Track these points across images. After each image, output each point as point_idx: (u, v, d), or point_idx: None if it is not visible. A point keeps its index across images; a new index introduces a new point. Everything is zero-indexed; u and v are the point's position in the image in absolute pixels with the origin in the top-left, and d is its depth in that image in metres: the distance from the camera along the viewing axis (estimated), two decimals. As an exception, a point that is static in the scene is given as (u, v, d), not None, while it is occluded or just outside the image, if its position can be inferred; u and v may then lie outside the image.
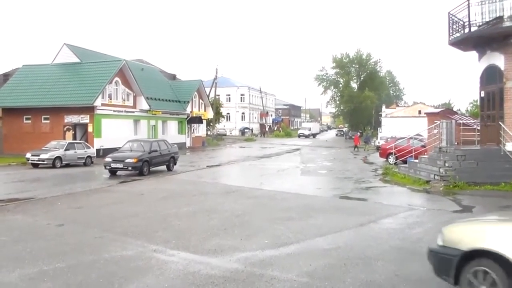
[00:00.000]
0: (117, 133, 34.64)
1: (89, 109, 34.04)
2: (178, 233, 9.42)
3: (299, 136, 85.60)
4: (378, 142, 44.73)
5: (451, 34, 19.36)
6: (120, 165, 21.61)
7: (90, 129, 34.48)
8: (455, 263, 5.10)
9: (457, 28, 18.98)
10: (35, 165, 25.83)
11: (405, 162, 22.40)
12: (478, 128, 20.87)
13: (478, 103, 23.14)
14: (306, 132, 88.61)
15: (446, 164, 17.50)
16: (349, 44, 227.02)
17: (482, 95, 19.88)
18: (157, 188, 17.19)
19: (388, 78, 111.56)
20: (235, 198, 14.57)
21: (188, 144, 49.61)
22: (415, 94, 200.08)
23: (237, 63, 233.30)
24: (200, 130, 54.37)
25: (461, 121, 24.07)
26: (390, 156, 27.42)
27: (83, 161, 27.72)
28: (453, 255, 5.14)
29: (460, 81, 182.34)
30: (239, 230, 9.67)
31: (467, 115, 44.46)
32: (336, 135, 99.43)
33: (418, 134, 28.01)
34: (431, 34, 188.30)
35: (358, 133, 61.16)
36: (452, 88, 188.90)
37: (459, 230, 5.56)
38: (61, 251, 7.90)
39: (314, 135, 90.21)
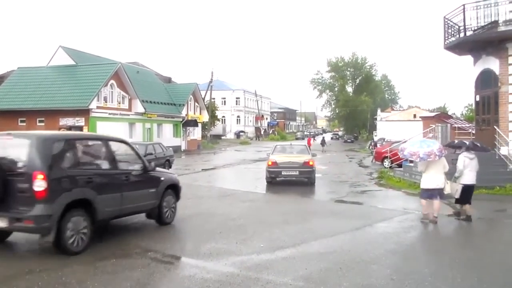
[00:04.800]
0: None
1: (84, 112, 33.95)
2: (173, 236, 9.39)
3: None
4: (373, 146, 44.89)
5: (446, 38, 19.45)
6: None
7: (85, 131, 34.34)
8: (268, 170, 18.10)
9: (453, 33, 19.07)
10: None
11: (400, 166, 22.42)
12: (473, 132, 20.95)
13: (473, 107, 23.26)
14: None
15: (441, 168, 17.52)
16: (345, 48, 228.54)
17: (477, 99, 19.98)
18: (152, 191, 17.08)
19: (383, 82, 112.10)
20: (230, 201, 14.55)
21: (183, 147, 49.50)
22: (410, 98, 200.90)
23: (232, 66, 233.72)
24: (196, 133, 54.33)
25: (456, 125, 24.14)
26: (385, 160, 27.46)
27: (78, 164, 27.54)
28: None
29: (455, 85, 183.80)
30: (235, 233, 9.64)
31: (462, 119, 44.60)
32: (332, 138, 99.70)
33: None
34: (426, 38, 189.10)
35: (310, 136, 70.81)
36: (447, 92, 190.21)
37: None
38: (54, 252, 7.83)
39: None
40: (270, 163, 18.86)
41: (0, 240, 8.37)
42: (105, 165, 9.00)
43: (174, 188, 10.85)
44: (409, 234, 10.21)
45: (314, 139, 68.67)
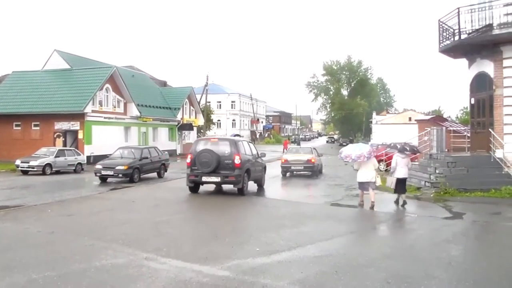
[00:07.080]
0: (108, 140, 34.44)
1: (80, 116, 33.87)
2: (169, 240, 9.36)
3: None
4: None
5: (441, 41, 19.51)
6: (110, 172, 21.44)
7: (80, 135, 34.27)
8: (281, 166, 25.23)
9: (447, 36, 19.13)
10: (24, 172, 25.62)
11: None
12: (469, 135, 21.01)
13: (468, 110, 23.31)
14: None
15: (437, 171, 17.60)
16: (340, 51, 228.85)
17: (472, 102, 20.04)
18: (148, 196, 17.09)
19: (379, 85, 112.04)
20: (226, 205, 14.53)
21: (178, 151, 49.42)
22: (405, 101, 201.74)
23: (228, 70, 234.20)
24: (191, 137, 54.22)
25: (451, 128, 24.19)
26: (381, 163, 27.46)
27: (74, 168, 27.53)
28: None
29: (450, 88, 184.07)
30: (231, 237, 9.63)
31: (458, 122, 44.65)
32: (327, 142, 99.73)
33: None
34: (421, 41, 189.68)
35: (288, 139, 73.56)
36: (442, 95, 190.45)
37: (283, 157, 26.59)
38: (52, 259, 7.81)
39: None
40: (283, 160, 25.98)
41: (196, 191, 16.76)
42: (249, 153, 17.72)
43: (265, 168, 19.88)
44: (405, 238, 10.22)
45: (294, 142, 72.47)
